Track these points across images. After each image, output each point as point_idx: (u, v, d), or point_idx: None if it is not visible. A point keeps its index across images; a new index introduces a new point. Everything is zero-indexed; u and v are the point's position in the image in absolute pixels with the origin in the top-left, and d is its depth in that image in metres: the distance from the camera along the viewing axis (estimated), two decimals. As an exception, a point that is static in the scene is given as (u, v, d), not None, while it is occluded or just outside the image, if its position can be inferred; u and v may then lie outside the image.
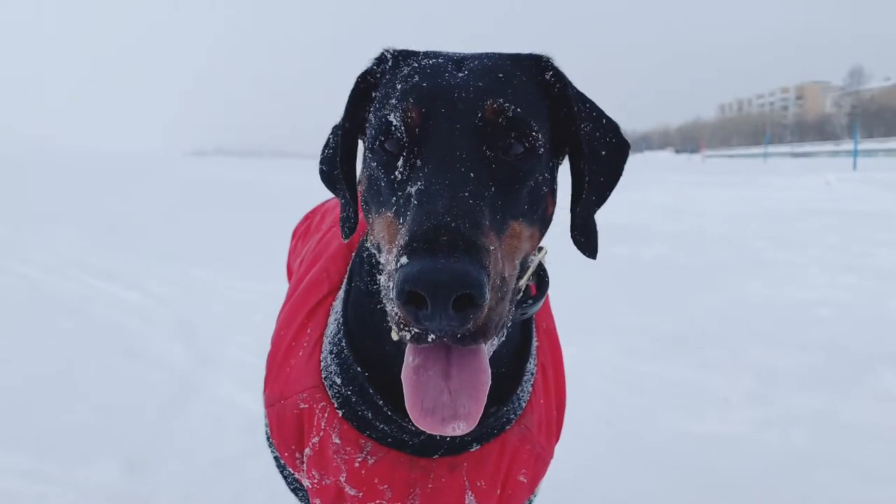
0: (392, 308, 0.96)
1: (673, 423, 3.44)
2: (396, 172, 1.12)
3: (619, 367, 4.16)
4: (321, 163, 1.47)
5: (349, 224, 1.39)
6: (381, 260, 1.13)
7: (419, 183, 1.05)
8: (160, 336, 4.71)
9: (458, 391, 1.04)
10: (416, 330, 0.94)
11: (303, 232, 2.39)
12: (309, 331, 1.51)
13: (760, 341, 4.68)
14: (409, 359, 1.07)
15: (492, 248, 0.98)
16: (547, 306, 1.70)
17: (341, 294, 1.51)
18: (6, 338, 4.56)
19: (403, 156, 1.13)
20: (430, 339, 0.95)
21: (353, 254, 1.56)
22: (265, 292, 5.90)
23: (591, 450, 3.09)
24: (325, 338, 1.47)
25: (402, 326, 0.95)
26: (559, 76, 1.27)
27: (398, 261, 0.93)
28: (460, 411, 1.03)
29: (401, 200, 1.08)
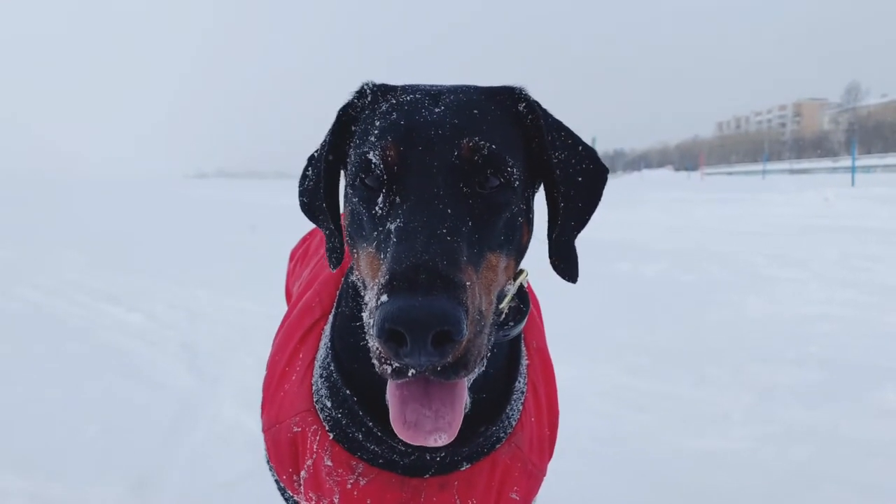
0: (374, 344, 0.99)
1: (673, 440, 3.45)
2: (377, 208, 1.16)
3: (619, 384, 4.18)
4: (301, 195, 1.50)
5: (336, 254, 1.43)
6: (364, 295, 1.17)
7: (398, 220, 1.08)
8: (163, 358, 4.73)
9: (438, 405, 1.08)
10: (396, 365, 0.97)
11: (301, 255, 2.42)
12: (301, 355, 1.55)
13: (760, 357, 4.69)
14: (390, 392, 1.11)
15: (468, 283, 1.01)
16: (538, 325, 1.72)
17: (330, 318, 1.55)
18: (12, 361, 4.59)
19: (383, 192, 1.16)
20: (410, 374, 0.98)
21: (343, 279, 1.59)
22: (267, 314, 5.94)
23: (591, 466, 3.11)
24: (315, 362, 1.51)
25: (383, 361, 0.99)
26: (531, 107, 1.31)
27: (378, 298, 0.96)
28: (441, 423, 1.07)
29: (381, 236, 1.12)
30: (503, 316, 1.27)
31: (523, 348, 1.55)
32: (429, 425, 1.06)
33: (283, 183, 61.36)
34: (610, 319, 5.80)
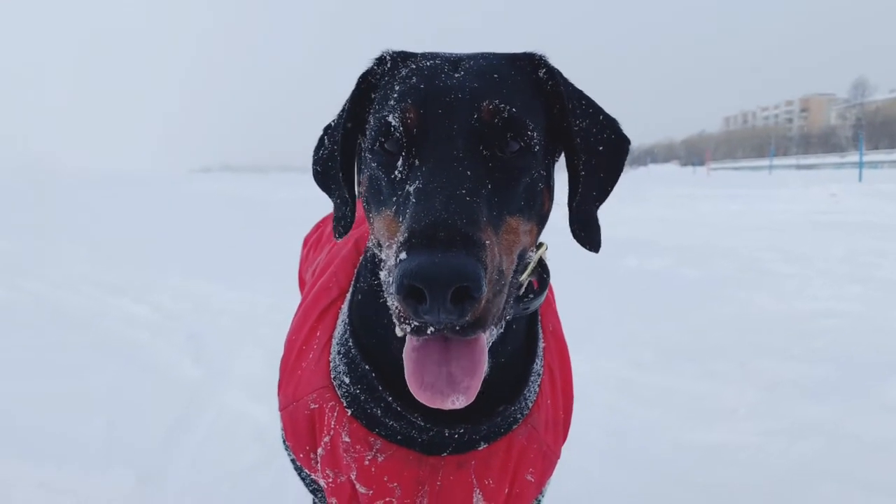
0: (393, 302, 0.99)
1: (679, 434, 3.45)
2: (396, 172, 1.15)
3: (626, 379, 4.18)
4: (315, 163, 1.49)
5: (344, 222, 1.42)
6: (382, 256, 1.16)
7: (417, 182, 1.08)
8: (170, 350, 4.75)
9: (456, 367, 1.07)
10: (415, 323, 0.97)
11: (314, 241, 2.41)
12: (318, 334, 1.54)
13: (767, 353, 4.69)
14: (410, 340, 1.10)
15: (488, 242, 1.00)
16: (553, 309, 1.72)
17: (348, 296, 1.55)
18: (19, 352, 4.61)
19: (402, 156, 1.16)
20: (429, 332, 0.98)
21: (361, 257, 1.59)
22: (272, 305, 5.95)
23: (597, 461, 3.11)
24: (333, 339, 1.50)
25: (402, 320, 0.98)
26: (552, 73, 1.29)
27: (398, 256, 0.96)
28: (459, 386, 1.06)
29: (400, 199, 1.11)
30: (522, 289, 1.26)
31: (540, 331, 1.55)
32: (447, 388, 1.05)
33: (288, 176, 61.42)
34: (616, 314, 5.80)
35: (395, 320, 1.01)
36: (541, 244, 1.34)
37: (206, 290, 6.82)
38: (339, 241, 1.49)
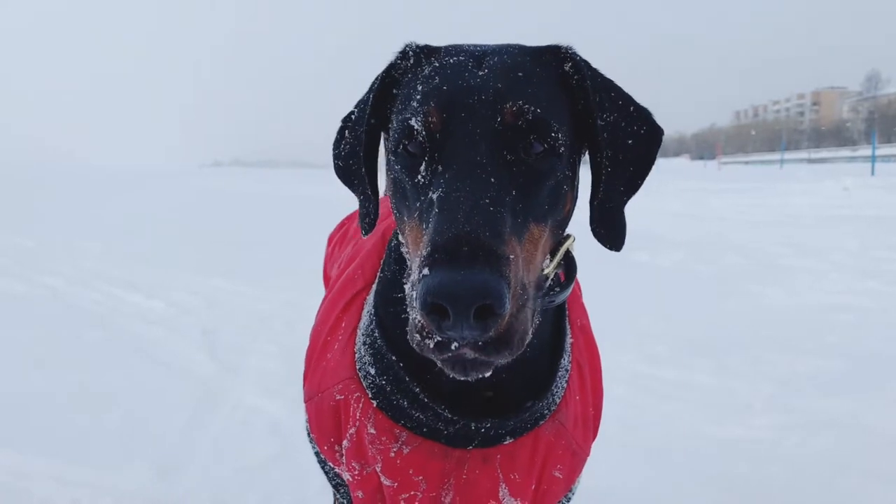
0: (415, 317, 0.98)
1: (695, 429, 3.45)
2: (419, 177, 1.14)
3: (641, 374, 4.18)
4: (336, 158, 1.47)
5: (368, 220, 1.41)
6: (408, 265, 1.15)
7: (440, 190, 1.07)
8: (184, 345, 4.78)
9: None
10: (438, 338, 0.96)
11: (339, 238, 2.41)
12: (343, 325, 1.53)
13: (781, 347, 4.67)
14: None
15: (512, 256, 0.99)
16: (581, 304, 1.69)
17: (374, 287, 1.53)
18: (34, 347, 4.65)
19: (425, 160, 1.15)
20: (453, 348, 0.97)
21: (385, 248, 1.58)
22: (285, 301, 5.97)
23: (614, 456, 3.11)
24: (358, 330, 1.49)
25: (425, 335, 0.97)
26: (578, 68, 1.26)
27: (421, 271, 0.95)
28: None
29: (423, 206, 1.10)
30: (548, 281, 1.24)
31: (568, 326, 1.53)
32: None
33: (300, 172, 61.53)
34: (629, 309, 5.79)
35: (416, 335, 1.00)
36: (568, 236, 1.31)
37: (220, 285, 6.85)
38: (365, 237, 1.48)
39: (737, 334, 5.04)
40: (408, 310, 1.04)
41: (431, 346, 0.98)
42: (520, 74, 1.19)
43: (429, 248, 0.98)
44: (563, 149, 1.18)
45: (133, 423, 3.46)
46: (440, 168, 1.12)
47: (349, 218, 2.51)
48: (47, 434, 3.31)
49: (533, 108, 1.14)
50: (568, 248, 1.32)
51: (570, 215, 1.27)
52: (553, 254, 1.21)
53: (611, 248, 1.32)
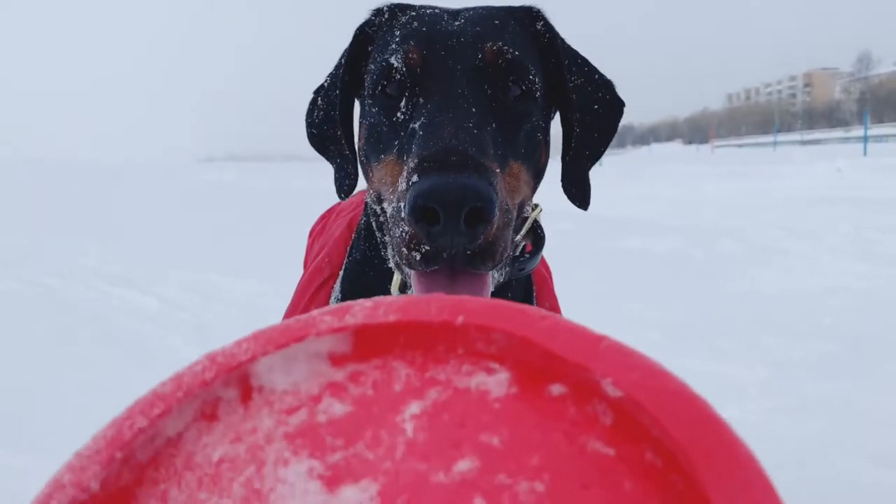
0: (402, 232, 0.97)
1: (689, 414, 3.45)
2: (399, 114, 1.14)
3: (634, 360, 4.17)
4: (309, 126, 1.46)
5: (348, 180, 1.40)
6: (384, 200, 1.14)
7: (423, 118, 1.07)
8: (178, 340, 4.77)
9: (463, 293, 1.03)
10: (426, 248, 0.95)
11: (318, 231, 2.41)
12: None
13: (775, 330, 4.68)
14: (416, 285, 1.07)
15: (498, 171, 1.00)
16: (550, 288, 1.70)
17: (341, 273, 1.53)
18: (28, 344, 4.63)
19: (406, 96, 1.15)
20: (442, 257, 0.96)
21: (354, 233, 1.57)
22: (278, 293, 5.93)
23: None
24: None
25: (412, 247, 0.96)
26: (549, 27, 1.29)
27: (409, 181, 0.94)
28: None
29: (404, 140, 1.10)
30: (519, 249, 1.25)
31: (535, 301, 1.55)
32: None
33: (293, 165, 61.36)
34: (622, 295, 5.79)
35: (403, 250, 0.98)
36: (536, 205, 1.32)
37: (213, 280, 6.83)
38: (344, 201, 1.46)
39: (730, 318, 5.05)
40: (391, 228, 1.02)
41: (419, 257, 0.96)
42: (496, 23, 1.21)
43: (416, 160, 0.97)
44: (538, 94, 1.20)
45: (128, 420, 3.45)
46: (421, 100, 1.11)
47: (329, 211, 2.50)
48: (39, 432, 3.29)
49: (512, 51, 1.16)
50: (537, 220, 1.33)
51: (545, 167, 1.27)
52: (521, 210, 1.20)
53: (579, 206, 1.35)
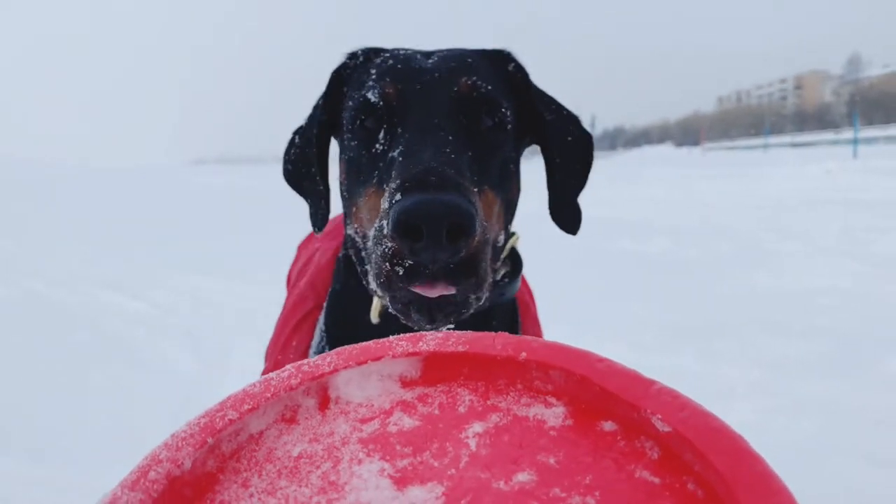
0: (384, 249, 0.99)
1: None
2: (377, 145, 1.17)
3: (626, 360, 4.11)
4: (286, 163, 1.49)
5: (322, 213, 1.41)
6: (367, 230, 1.16)
7: (401, 146, 1.10)
8: (168, 345, 4.74)
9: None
10: (409, 262, 0.97)
11: (305, 242, 2.42)
12: (294, 343, 1.55)
13: (766, 331, 4.69)
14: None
15: (476, 190, 1.04)
16: (533, 316, 1.72)
17: (325, 304, 1.55)
18: (17, 350, 4.59)
19: (384, 128, 1.18)
20: (425, 272, 0.98)
21: (335, 261, 1.60)
22: (268, 298, 5.91)
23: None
24: (310, 350, 1.51)
25: (395, 262, 0.98)
26: (520, 68, 1.35)
27: (391, 200, 0.97)
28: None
29: (383, 168, 1.13)
30: (499, 275, 1.29)
31: (521, 328, 1.56)
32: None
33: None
34: (614, 296, 5.79)
35: (385, 265, 0.99)
36: (513, 233, 1.37)
37: (203, 284, 6.80)
38: (319, 234, 1.48)
39: (723, 319, 5.05)
40: (373, 250, 1.04)
41: (402, 272, 0.99)
42: (469, 61, 1.27)
43: (397, 182, 1.00)
44: (510, 126, 1.24)
45: (118, 425, 3.42)
46: (399, 130, 1.15)
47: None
48: (32, 438, 3.26)
49: (485, 85, 1.21)
50: (514, 247, 1.39)
51: (517, 200, 1.32)
52: (494, 244, 1.21)
53: (568, 232, 1.38)
